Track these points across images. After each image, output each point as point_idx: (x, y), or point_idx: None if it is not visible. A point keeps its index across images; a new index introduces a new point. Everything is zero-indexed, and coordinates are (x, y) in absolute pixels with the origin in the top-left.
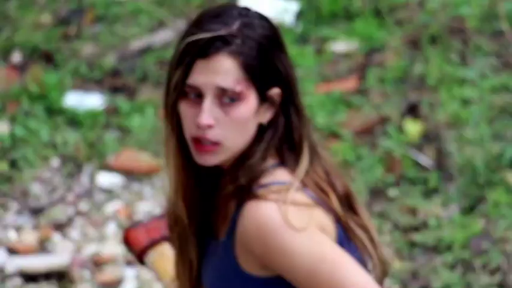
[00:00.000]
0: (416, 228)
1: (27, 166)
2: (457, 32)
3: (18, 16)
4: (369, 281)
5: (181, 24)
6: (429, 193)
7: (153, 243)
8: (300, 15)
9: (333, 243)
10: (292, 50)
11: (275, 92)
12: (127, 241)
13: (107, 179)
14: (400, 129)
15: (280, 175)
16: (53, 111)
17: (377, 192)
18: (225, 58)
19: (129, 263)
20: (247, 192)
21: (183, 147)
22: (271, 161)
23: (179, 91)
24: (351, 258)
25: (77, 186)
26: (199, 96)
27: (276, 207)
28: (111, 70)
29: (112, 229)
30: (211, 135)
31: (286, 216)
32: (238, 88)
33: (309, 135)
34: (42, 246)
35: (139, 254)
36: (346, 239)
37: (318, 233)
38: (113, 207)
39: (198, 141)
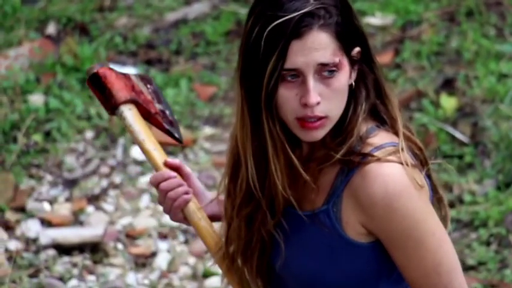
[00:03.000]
0: (451, 204)
1: (61, 138)
2: (494, 6)
3: None
4: (459, 266)
5: None
6: (464, 168)
7: (134, 102)
8: None
9: (437, 218)
10: None
11: (356, 50)
12: (101, 79)
13: (140, 152)
14: (436, 104)
15: (386, 136)
16: None
17: None
18: (318, 33)
19: (162, 236)
20: (359, 155)
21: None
22: (370, 123)
23: (277, 77)
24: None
25: (110, 159)
26: (297, 76)
27: (401, 168)
28: (146, 42)
29: (145, 202)
30: (319, 110)
31: (413, 177)
32: (337, 59)
33: (387, 87)
34: (76, 218)
35: (116, 101)
36: (431, 195)
37: (429, 203)
38: (146, 180)
39: (304, 120)
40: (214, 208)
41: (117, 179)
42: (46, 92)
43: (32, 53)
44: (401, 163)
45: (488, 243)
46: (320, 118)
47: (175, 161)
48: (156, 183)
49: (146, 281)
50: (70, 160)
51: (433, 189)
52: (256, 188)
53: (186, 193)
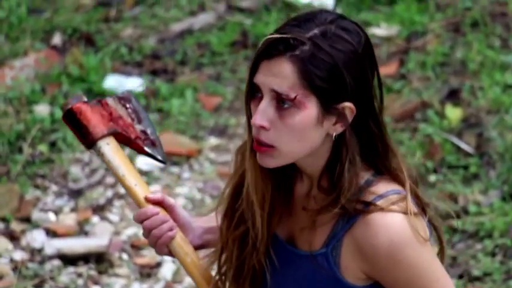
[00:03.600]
0: (456, 215)
1: (66, 148)
2: (499, 17)
3: None
4: None
5: (221, 7)
6: (469, 179)
7: (112, 133)
8: None
9: (439, 261)
10: None
11: (346, 105)
12: (76, 116)
13: (145, 162)
14: (441, 115)
15: (388, 184)
16: (93, 93)
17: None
18: (284, 62)
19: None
20: (362, 203)
21: None
22: (367, 172)
23: (248, 89)
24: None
25: None
26: (260, 93)
27: (405, 219)
28: (151, 53)
29: None
30: (264, 137)
31: (416, 228)
32: (293, 94)
33: (390, 142)
34: (81, 229)
35: (93, 137)
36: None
37: (431, 248)
38: (151, 190)
39: (255, 140)
40: (203, 236)
41: (122, 189)
42: (51, 102)
43: (37, 63)
44: (405, 213)
45: (493, 254)
46: (269, 146)
47: (157, 195)
48: (139, 221)
49: None
50: (75, 170)
51: (432, 226)
52: (250, 207)
53: (171, 229)
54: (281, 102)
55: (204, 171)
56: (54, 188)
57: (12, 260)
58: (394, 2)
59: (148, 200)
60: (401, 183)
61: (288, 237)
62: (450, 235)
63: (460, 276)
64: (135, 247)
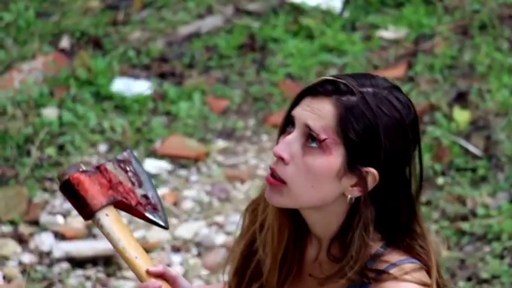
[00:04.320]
0: (464, 217)
1: (75, 151)
2: (508, 19)
3: (67, 1)
4: None
5: (229, 10)
6: (478, 182)
7: (112, 203)
8: (348, 1)
9: None
10: (340, 37)
11: (370, 171)
12: (74, 187)
13: (153, 165)
14: (449, 117)
15: (400, 252)
16: (101, 96)
17: (425, 181)
18: (327, 103)
19: (175, 249)
20: (374, 272)
21: None
22: (381, 242)
23: (284, 122)
24: None
25: None
26: (292, 127)
27: None
28: (159, 56)
29: None
30: (280, 170)
31: None
32: (323, 136)
33: (421, 221)
34: (89, 232)
35: (92, 209)
36: None
37: None
38: (159, 192)
39: (271, 173)
40: None
41: None
42: (60, 105)
43: (45, 66)
44: (419, 283)
45: (501, 257)
46: (280, 180)
47: (158, 268)
48: None
49: None
50: None
51: None
52: (266, 259)
53: None
54: (309, 140)
55: (212, 174)
56: None
57: (20, 263)
58: (402, 5)
59: (149, 273)
60: (425, 264)
61: None
62: (458, 237)
63: (469, 279)
64: (144, 250)
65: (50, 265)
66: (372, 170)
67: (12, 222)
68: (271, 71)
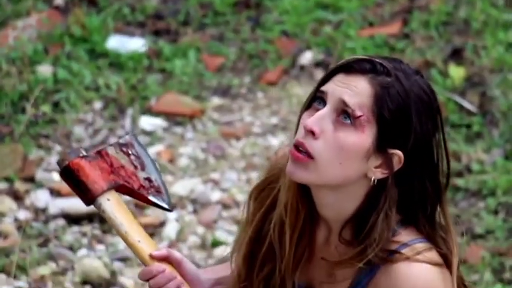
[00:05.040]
0: (459, 173)
1: (70, 108)
2: None
3: None
4: None
5: None
6: (472, 138)
7: (113, 187)
8: None
9: None
10: None
11: (396, 153)
12: (74, 173)
13: (149, 122)
14: (444, 74)
15: (411, 232)
16: (96, 53)
17: None
18: (364, 81)
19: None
20: (385, 252)
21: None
22: (396, 219)
23: (310, 98)
24: None
25: (119, 129)
26: (322, 103)
27: (431, 270)
28: (154, 13)
29: None
30: (309, 144)
31: (440, 279)
32: (359, 112)
33: (444, 210)
34: None
35: (93, 194)
36: None
37: None
38: (154, 149)
39: (295, 146)
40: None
41: None
42: (54, 62)
43: (40, 23)
44: (431, 263)
45: (496, 212)
46: (306, 153)
47: (162, 251)
48: (144, 280)
49: None
50: (78, 131)
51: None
52: (282, 240)
53: (178, 287)
54: (343, 116)
55: (207, 131)
56: (57, 148)
57: (16, 220)
58: None
59: (153, 257)
60: (446, 258)
61: (307, 284)
62: (453, 193)
63: (463, 234)
64: (139, 207)
65: (46, 222)
66: (399, 152)
67: (8, 179)
68: (267, 28)
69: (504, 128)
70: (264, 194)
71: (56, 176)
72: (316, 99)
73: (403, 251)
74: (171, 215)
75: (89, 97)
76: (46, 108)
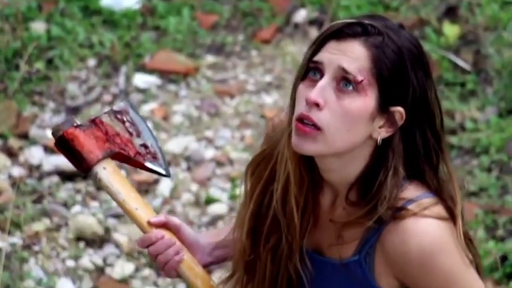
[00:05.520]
0: (453, 131)
1: (63, 66)
2: None
3: None
4: None
5: None
6: (466, 96)
7: (109, 155)
8: None
9: (472, 268)
10: None
11: (397, 109)
12: (69, 143)
13: (143, 79)
14: (439, 32)
15: (417, 187)
16: (89, 10)
17: None
18: (358, 44)
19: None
20: (392, 209)
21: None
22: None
23: (303, 69)
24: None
25: (113, 86)
26: (318, 73)
27: (438, 225)
28: None
29: None
30: (316, 116)
31: (447, 234)
32: (360, 77)
33: (447, 161)
34: None
35: (88, 163)
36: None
37: (464, 255)
38: (148, 107)
39: (299, 120)
40: (213, 253)
41: None
42: (48, 19)
43: None
44: (438, 218)
45: (489, 170)
46: (314, 126)
47: (160, 218)
48: (143, 247)
49: None
50: (72, 88)
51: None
52: (280, 211)
53: (177, 253)
54: (343, 83)
55: (201, 89)
56: (51, 105)
57: (10, 176)
58: None
59: (151, 224)
60: (451, 212)
61: (315, 248)
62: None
63: (464, 186)
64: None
65: (40, 178)
66: (400, 108)
67: (2, 136)
68: None
69: (498, 86)
70: (261, 167)
71: (49, 133)
72: (311, 69)
73: (410, 207)
74: None
75: (82, 54)
76: (40, 65)
